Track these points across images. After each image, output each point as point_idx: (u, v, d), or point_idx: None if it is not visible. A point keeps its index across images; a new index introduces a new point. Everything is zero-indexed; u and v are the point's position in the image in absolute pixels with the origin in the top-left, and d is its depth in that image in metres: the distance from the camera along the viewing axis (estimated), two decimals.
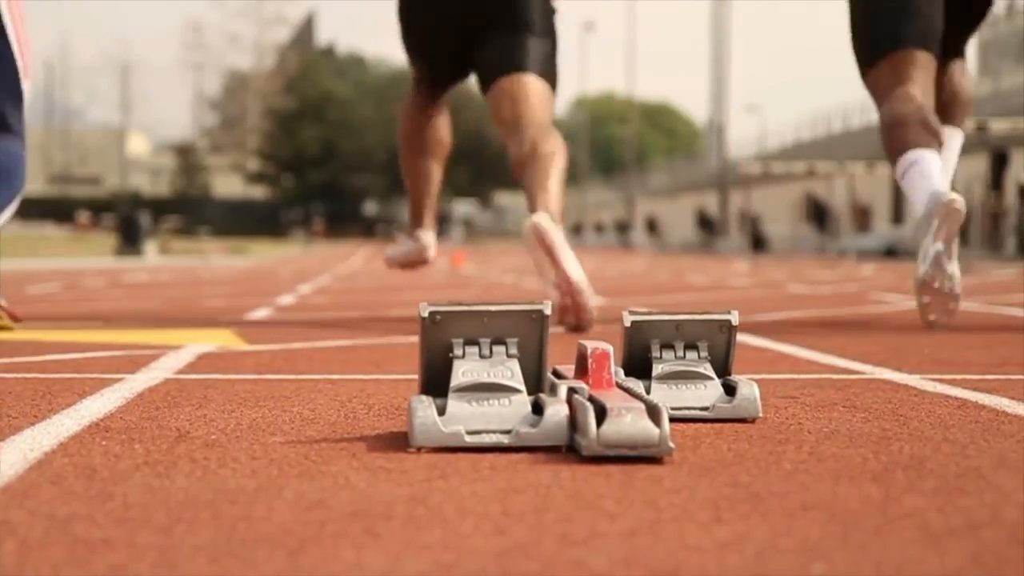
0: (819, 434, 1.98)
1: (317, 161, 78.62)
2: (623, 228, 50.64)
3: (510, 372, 1.88)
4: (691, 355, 2.17)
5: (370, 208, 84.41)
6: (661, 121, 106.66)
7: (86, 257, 16.60)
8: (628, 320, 2.17)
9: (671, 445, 1.72)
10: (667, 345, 2.18)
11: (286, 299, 6.49)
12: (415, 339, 1.95)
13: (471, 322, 1.90)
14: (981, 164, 25.41)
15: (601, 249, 41.10)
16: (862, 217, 33.97)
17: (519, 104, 4.65)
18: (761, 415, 2.12)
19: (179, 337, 3.74)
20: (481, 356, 1.90)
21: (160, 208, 65.52)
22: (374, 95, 79.40)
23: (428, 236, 5.42)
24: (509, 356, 1.90)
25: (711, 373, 2.16)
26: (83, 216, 55.50)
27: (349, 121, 78.29)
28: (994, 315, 5.20)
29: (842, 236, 24.29)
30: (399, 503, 1.44)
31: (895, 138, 4.33)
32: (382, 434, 1.96)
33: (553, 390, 1.94)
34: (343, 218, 77.25)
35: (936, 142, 4.32)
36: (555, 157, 4.52)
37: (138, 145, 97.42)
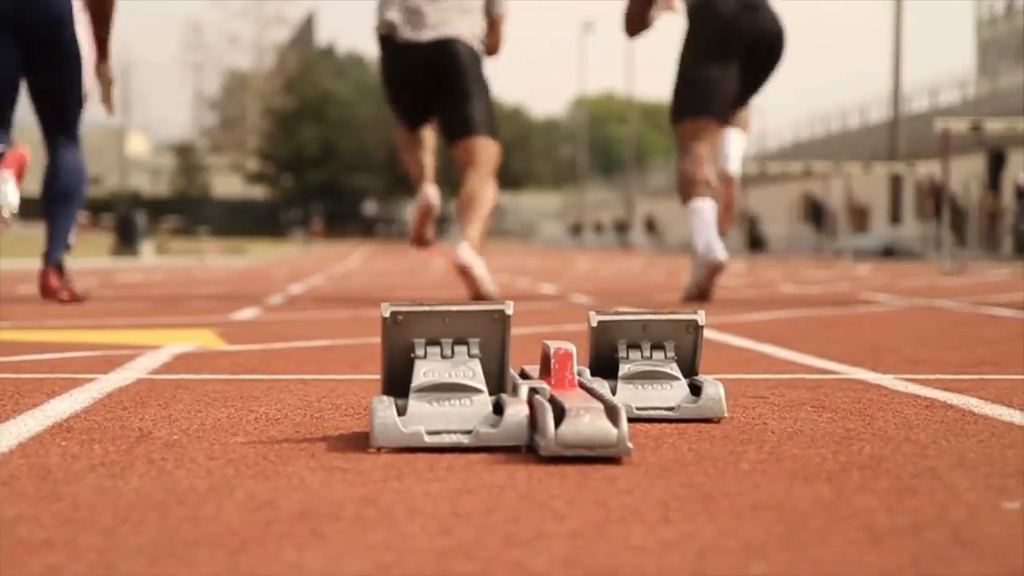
0: (782, 434, 1.98)
1: (316, 161, 78.64)
2: (622, 228, 50.63)
3: (472, 372, 1.88)
4: (658, 355, 2.17)
5: (369, 208, 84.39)
6: (661, 121, 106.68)
7: (83, 257, 16.61)
8: (594, 320, 2.18)
9: (629, 445, 1.72)
10: (634, 345, 2.18)
11: (275, 299, 6.49)
12: None
13: (433, 322, 1.90)
14: (978, 164, 25.41)
15: (600, 249, 41.09)
16: (860, 217, 33.97)
17: (470, 163, 6.66)
18: (727, 415, 2.12)
19: (159, 337, 3.74)
20: (443, 356, 1.90)
21: (159, 208, 65.53)
22: (374, 95, 79.37)
23: (429, 187, 7.08)
24: (471, 356, 1.90)
25: (677, 373, 2.16)
26: (82, 216, 55.47)
27: (348, 121, 78.26)
28: (979, 315, 5.20)
29: (840, 236, 24.29)
30: (349, 503, 1.44)
31: (686, 188, 6.56)
32: (345, 434, 1.96)
33: (515, 390, 1.94)
34: (342, 218, 77.26)
35: (712, 193, 6.54)
36: (484, 201, 6.58)
37: (138, 145, 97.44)
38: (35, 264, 11.11)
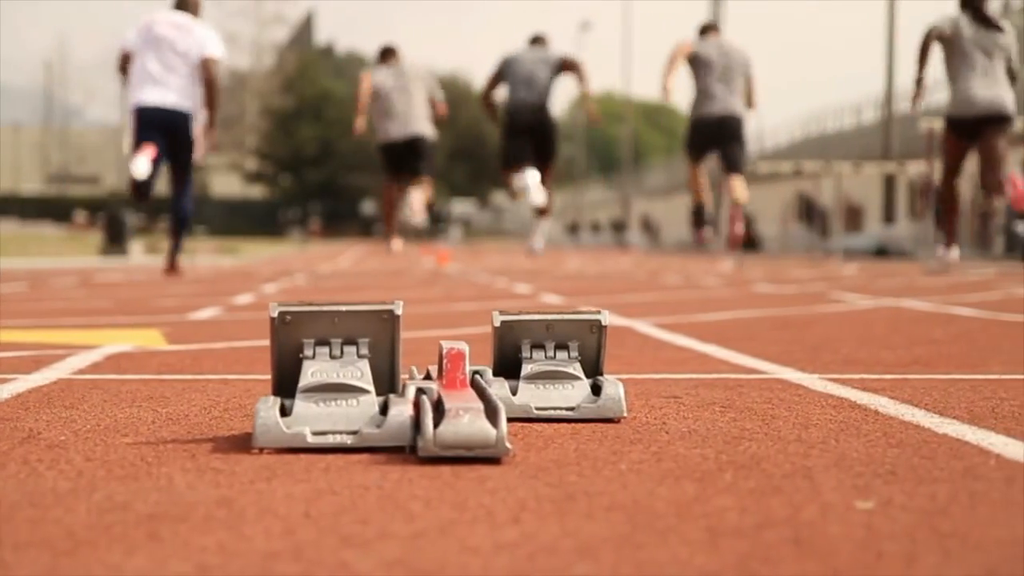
0: (676, 434, 1.98)
1: (315, 160, 78.58)
2: (618, 228, 50.61)
3: (360, 372, 1.88)
4: (561, 355, 2.17)
5: (368, 207, 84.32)
6: (661, 120, 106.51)
7: (71, 256, 16.59)
8: (498, 320, 2.17)
9: (508, 446, 1.72)
10: (538, 345, 2.18)
11: (243, 298, 6.49)
12: None
13: (322, 322, 1.90)
14: (971, 164, 25.39)
15: (595, 248, 41.06)
16: (853, 217, 33.94)
17: (421, 192, 11.39)
18: (626, 415, 2.12)
19: (101, 337, 3.74)
20: (332, 356, 1.90)
21: (158, 207, 65.45)
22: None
23: (396, 243, 11.90)
24: (360, 356, 1.90)
25: (579, 373, 2.15)
26: (80, 215, 55.46)
27: (347, 120, 78.07)
28: (939, 314, 5.20)
29: (833, 236, 24.28)
30: (203, 505, 1.44)
31: (695, 219, 11.28)
32: (237, 435, 1.96)
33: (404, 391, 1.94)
34: (341, 217, 77.17)
35: (711, 228, 10.66)
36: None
37: None
38: (18, 263, 11.06)
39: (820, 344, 3.67)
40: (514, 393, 2.13)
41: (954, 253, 10.11)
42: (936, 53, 9.42)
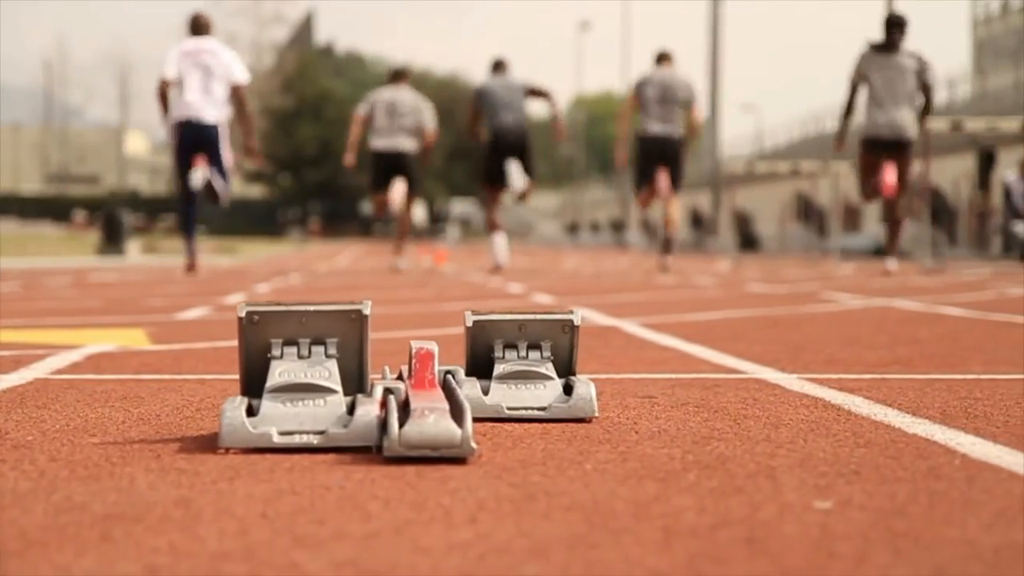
0: (646, 434, 1.98)
1: (315, 160, 78.56)
2: (618, 227, 50.55)
3: (328, 372, 1.88)
4: (534, 355, 2.17)
5: (367, 207, 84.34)
6: None
7: (68, 256, 16.59)
8: (470, 320, 2.17)
9: (474, 446, 1.72)
10: (510, 345, 2.17)
11: (234, 298, 6.48)
12: None
13: (289, 322, 1.90)
14: (969, 163, 25.40)
15: (595, 248, 41.05)
16: (852, 217, 33.92)
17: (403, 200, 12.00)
18: (597, 415, 2.12)
19: (84, 337, 3.74)
20: (300, 356, 1.89)
21: (158, 207, 65.43)
22: None
23: (403, 260, 12.38)
24: (328, 356, 1.89)
25: (551, 373, 2.15)
26: (79, 215, 55.45)
27: (347, 120, 78.05)
28: (927, 314, 5.19)
29: (832, 235, 24.28)
30: (162, 506, 1.44)
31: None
32: (207, 435, 1.95)
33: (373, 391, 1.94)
34: (340, 217, 77.15)
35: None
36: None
37: (137, 144, 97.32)
38: (14, 263, 11.05)
39: (804, 344, 3.67)
40: (486, 393, 2.13)
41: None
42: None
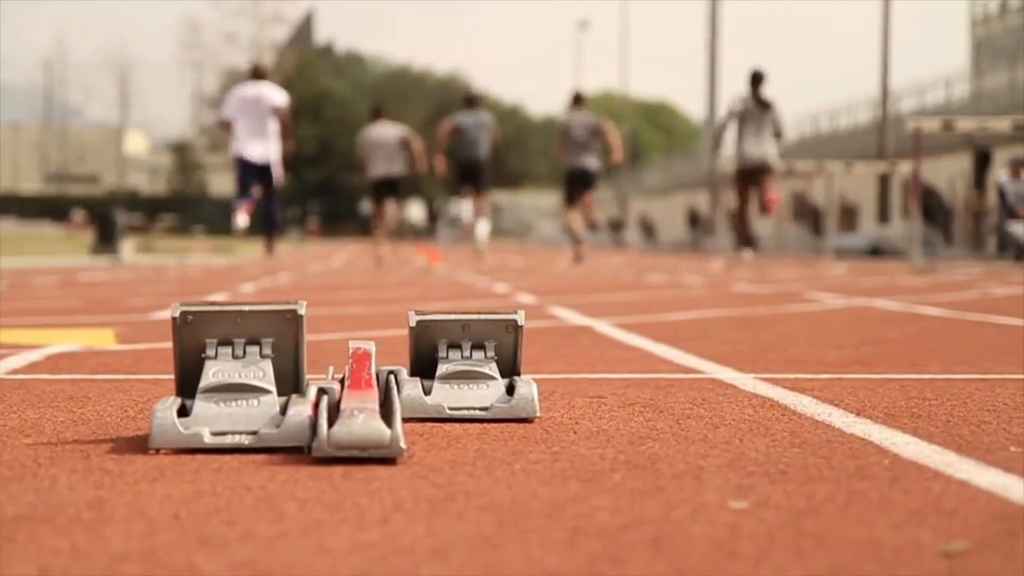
0: (583, 434, 1.97)
1: (314, 160, 78.53)
2: (616, 227, 50.57)
3: (262, 373, 1.87)
4: (477, 355, 2.16)
5: (366, 207, 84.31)
6: (660, 120, 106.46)
7: (63, 256, 16.59)
8: (413, 320, 2.17)
9: (403, 446, 1.71)
10: (454, 345, 2.17)
11: (216, 297, 6.48)
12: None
13: (224, 322, 1.89)
14: (965, 163, 25.38)
15: (593, 247, 41.04)
16: (849, 216, 33.90)
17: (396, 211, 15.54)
18: (539, 414, 2.11)
19: (48, 337, 3.73)
20: (234, 356, 1.89)
21: (157, 206, 65.44)
22: (372, 94, 79.31)
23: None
24: (263, 356, 1.89)
25: (495, 373, 2.15)
26: (78, 215, 55.43)
27: (346, 120, 78.01)
28: (905, 314, 5.19)
29: (828, 235, 24.25)
30: (75, 507, 1.43)
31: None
32: (142, 435, 1.95)
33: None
34: (339, 217, 77.13)
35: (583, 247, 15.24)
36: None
37: (136, 143, 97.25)
38: (18, 263, 10.99)
39: (771, 344, 3.66)
40: (428, 393, 2.12)
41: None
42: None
